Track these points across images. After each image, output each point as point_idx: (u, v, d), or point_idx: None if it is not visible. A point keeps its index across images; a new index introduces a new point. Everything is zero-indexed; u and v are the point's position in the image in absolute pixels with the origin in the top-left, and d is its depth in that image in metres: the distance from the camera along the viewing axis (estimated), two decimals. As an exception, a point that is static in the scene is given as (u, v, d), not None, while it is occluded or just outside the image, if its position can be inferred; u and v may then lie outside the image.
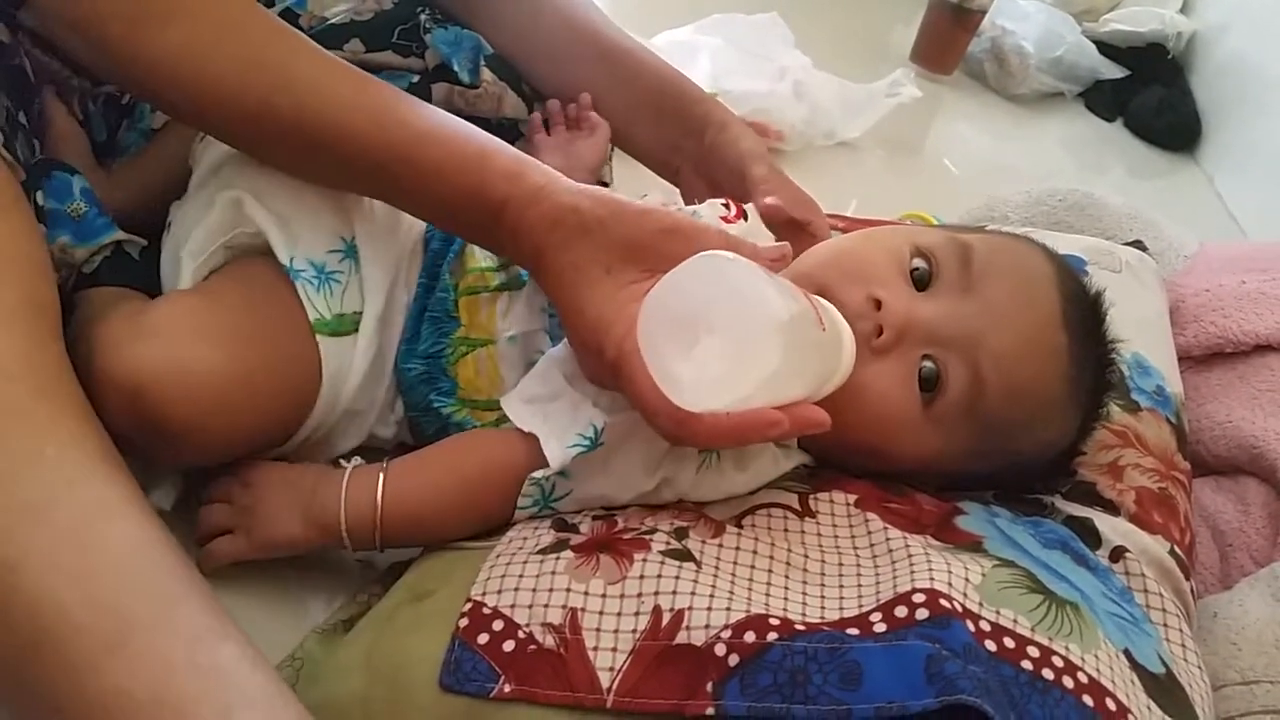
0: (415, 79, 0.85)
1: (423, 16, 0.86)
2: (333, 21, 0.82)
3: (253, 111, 0.61)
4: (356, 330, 0.67)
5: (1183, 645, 0.60)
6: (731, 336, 0.50)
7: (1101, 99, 1.66)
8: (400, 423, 0.72)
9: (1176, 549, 0.68)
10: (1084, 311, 0.66)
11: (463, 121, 0.64)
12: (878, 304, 0.61)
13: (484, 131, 0.64)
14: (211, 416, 0.59)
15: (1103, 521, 0.67)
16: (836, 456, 0.66)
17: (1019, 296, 0.64)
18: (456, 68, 0.85)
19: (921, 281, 0.64)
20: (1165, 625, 0.61)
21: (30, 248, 0.57)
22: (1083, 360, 0.65)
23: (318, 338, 0.65)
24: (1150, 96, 1.64)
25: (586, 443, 0.59)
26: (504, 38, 0.87)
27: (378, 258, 0.69)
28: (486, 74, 0.87)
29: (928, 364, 0.62)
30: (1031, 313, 0.64)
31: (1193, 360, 0.90)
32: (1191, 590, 0.67)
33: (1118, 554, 0.65)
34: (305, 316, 0.65)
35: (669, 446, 0.60)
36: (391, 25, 0.85)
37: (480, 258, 0.71)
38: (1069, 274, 0.67)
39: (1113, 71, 1.66)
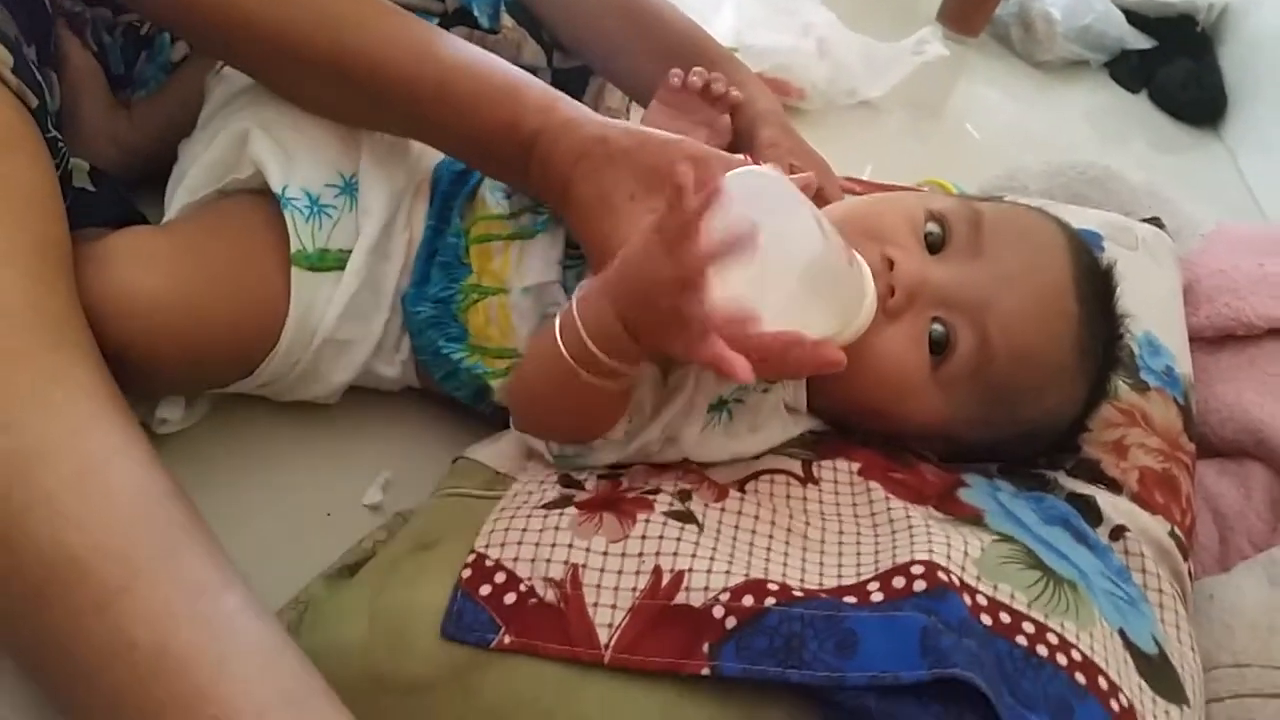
0: (435, 21, 0.84)
1: (446, -38, 0.85)
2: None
3: (289, 45, 0.61)
4: (341, 268, 0.66)
5: (1177, 626, 0.60)
6: (763, 248, 0.51)
7: (1127, 69, 1.64)
8: (406, 363, 0.72)
9: (1176, 530, 0.68)
10: (1095, 283, 0.66)
11: (495, 57, 0.65)
12: (890, 264, 0.61)
13: (515, 66, 0.65)
14: (159, 341, 0.59)
15: (1104, 499, 0.67)
16: (845, 419, 0.67)
17: (1030, 263, 0.64)
18: (477, 12, 0.85)
19: (934, 245, 0.64)
20: (1161, 606, 0.61)
21: (40, 182, 0.57)
22: (1092, 330, 0.65)
23: (293, 269, 0.65)
24: (1177, 69, 1.62)
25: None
26: None
27: (377, 190, 0.68)
28: (506, 20, 0.86)
29: (937, 326, 0.62)
30: (1042, 279, 0.63)
31: (1204, 341, 0.90)
32: (1189, 572, 0.68)
33: (1118, 533, 0.65)
34: (281, 248, 0.65)
35: (681, 406, 0.61)
36: (415, -33, 0.84)
37: (491, 205, 0.71)
38: (1081, 245, 0.67)
39: (1140, 42, 1.64)
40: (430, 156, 0.74)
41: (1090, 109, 1.59)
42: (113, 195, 0.68)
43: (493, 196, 0.71)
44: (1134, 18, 1.65)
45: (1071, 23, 1.58)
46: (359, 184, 0.68)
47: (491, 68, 0.64)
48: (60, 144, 0.62)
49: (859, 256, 0.58)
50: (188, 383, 0.66)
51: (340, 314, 0.66)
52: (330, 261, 0.66)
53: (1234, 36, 1.65)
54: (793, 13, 1.24)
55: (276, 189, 0.65)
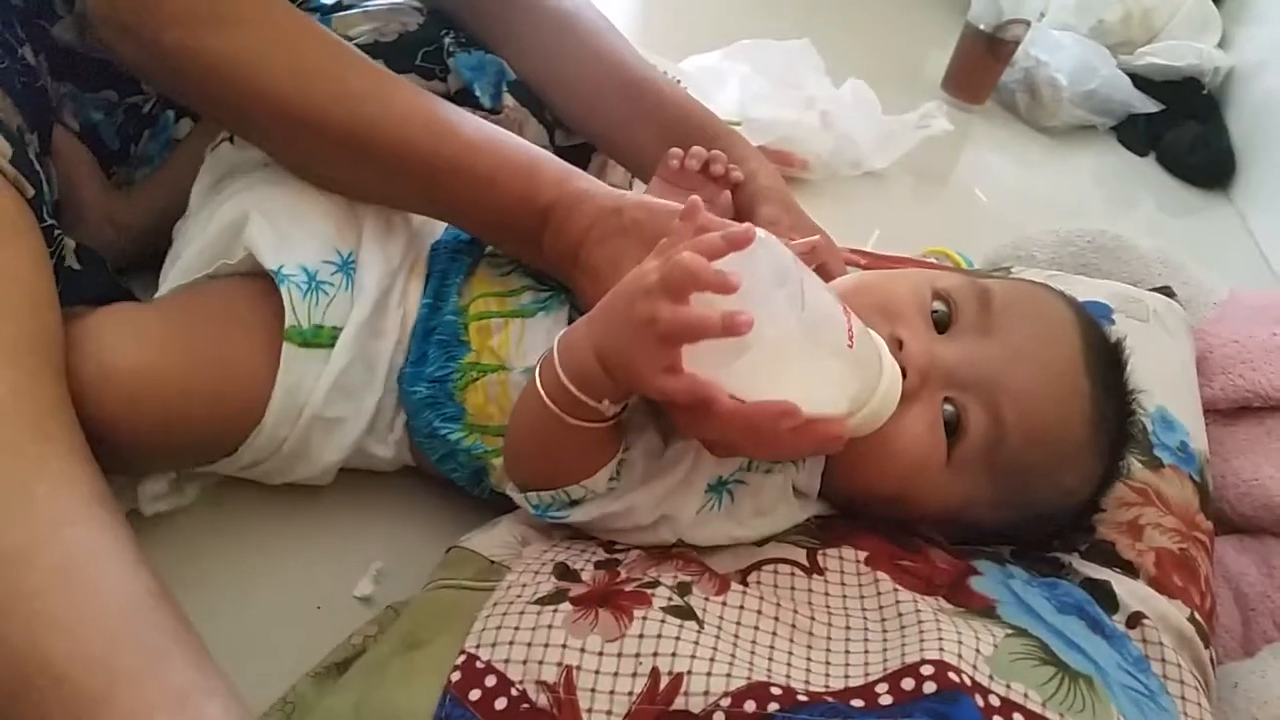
0: (438, 101, 0.85)
1: (447, 40, 0.85)
2: (357, 42, 0.82)
3: (307, 120, 0.63)
4: (333, 346, 0.66)
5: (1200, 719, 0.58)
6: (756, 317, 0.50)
7: (1134, 133, 1.64)
8: (400, 443, 0.71)
9: (1196, 615, 0.66)
10: (1105, 358, 0.65)
11: (509, 133, 0.67)
12: (899, 344, 0.60)
13: (527, 141, 0.67)
14: (142, 417, 0.59)
15: (1120, 585, 0.65)
16: (857, 505, 0.65)
17: (1039, 340, 0.63)
18: (479, 92, 0.85)
19: (941, 324, 0.63)
20: (1183, 698, 0.59)
21: (34, 276, 0.57)
22: (1104, 406, 0.63)
23: (285, 345, 0.64)
24: (1184, 132, 1.62)
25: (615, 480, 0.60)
26: (528, 64, 0.86)
27: (372, 267, 0.68)
28: (509, 99, 0.86)
29: (948, 408, 0.61)
30: (1052, 356, 0.63)
31: (1219, 413, 0.88)
32: (1211, 659, 0.65)
33: (1135, 620, 0.63)
34: (271, 325, 0.64)
35: (676, 481, 0.60)
36: (416, 47, 0.85)
37: (490, 282, 0.71)
38: (1089, 320, 0.66)
39: (1146, 105, 1.64)
40: (426, 236, 0.74)
41: (1098, 173, 1.59)
42: (100, 274, 0.68)
43: (492, 274, 0.71)
44: (1140, 82, 1.65)
45: (1078, 88, 1.59)
46: (356, 262, 0.68)
47: (509, 143, 0.66)
48: (56, 231, 0.62)
49: (875, 336, 0.57)
50: (171, 459, 0.65)
51: (329, 389, 0.65)
52: (324, 338, 0.66)
53: (1240, 99, 1.65)
54: (797, 86, 1.24)
55: (271, 266, 0.65)
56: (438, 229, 0.75)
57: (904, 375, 0.59)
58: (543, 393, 0.55)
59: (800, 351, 0.52)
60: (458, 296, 0.70)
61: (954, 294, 0.63)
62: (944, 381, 0.61)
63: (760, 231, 0.53)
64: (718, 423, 0.52)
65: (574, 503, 0.61)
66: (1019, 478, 0.62)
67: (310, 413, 0.65)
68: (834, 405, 0.54)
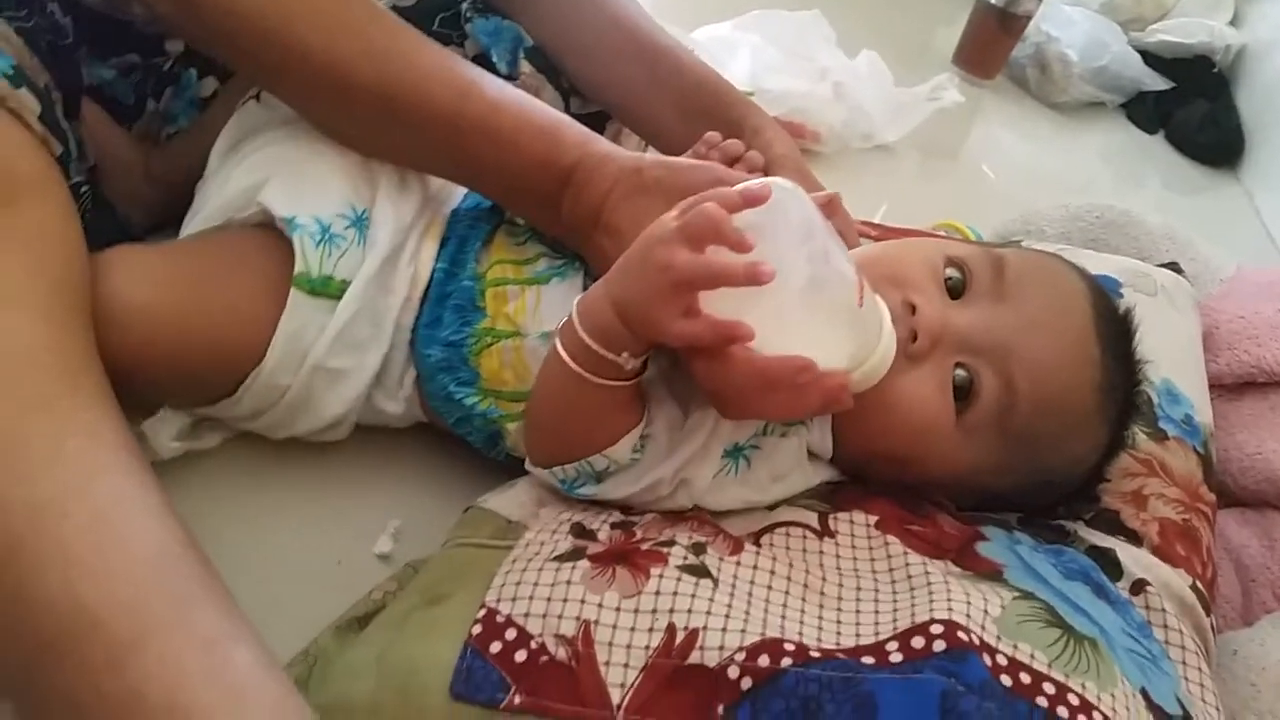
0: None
1: (464, 5, 0.85)
2: (375, 6, 0.82)
3: (335, 75, 0.63)
4: (339, 298, 0.67)
5: (1200, 685, 0.59)
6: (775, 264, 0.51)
7: (1144, 110, 1.64)
8: (410, 399, 0.72)
9: (1198, 583, 0.67)
10: (1115, 327, 0.66)
11: (532, 97, 0.68)
12: (912, 309, 0.61)
13: (551, 107, 0.67)
14: (146, 351, 0.60)
15: (1125, 552, 0.66)
16: (867, 468, 0.66)
17: (1052, 308, 0.64)
18: (495, 58, 0.85)
19: (955, 290, 0.64)
20: (1184, 663, 0.60)
21: (62, 228, 0.57)
22: (1114, 375, 0.64)
23: (292, 290, 0.65)
24: (1194, 110, 1.61)
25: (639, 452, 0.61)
26: (544, 30, 0.86)
27: (385, 223, 0.69)
28: (525, 66, 0.86)
29: (960, 372, 0.61)
30: (1065, 324, 0.63)
31: (1224, 388, 0.89)
32: (1212, 626, 0.67)
33: (1139, 587, 0.64)
34: (280, 271, 0.65)
35: (696, 448, 0.60)
36: (433, 12, 0.85)
37: (508, 249, 0.71)
38: (1100, 290, 0.67)
39: (1157, 83, 1.63)
40: (444, 199, 0.75)
41: (1107, 150, 1.59)
42: (110, 221, 0.69)
43: (509, 242, 0.72)
44: (1150, 59, 1.65)
45: (1088, 64, 1.58)
46: (370, 219, 0.69)
47: (532, 105, 0.67)
48: (84, 188, 0.63)
49: (876, 296, 0.58)
50: (173, 395, 0.67)
51: (334, 339, 0.66)
52: (332, 289, 0.67)
53: (1251, 78, 1.64)
54: (809, 57, 1.24)
55: (284, 215, 0.66)
56: (456, 194, 0.75)
57: (915, 338, 0.60)
58: (564, 354, 0.56)
59: (814, 306, 0.53)
60: (475, 263, 0.70)
61: (968, 261, 0.64)
62: (956, 347, 0.61)
63: (788, 183, 0.54)
64: (734, 374, 0.53)
65: (599, 476, 0.61)
66: (1029, 444, 0.63)
67: (313, 362, 0.66)
68: (837, 361, 0.55)
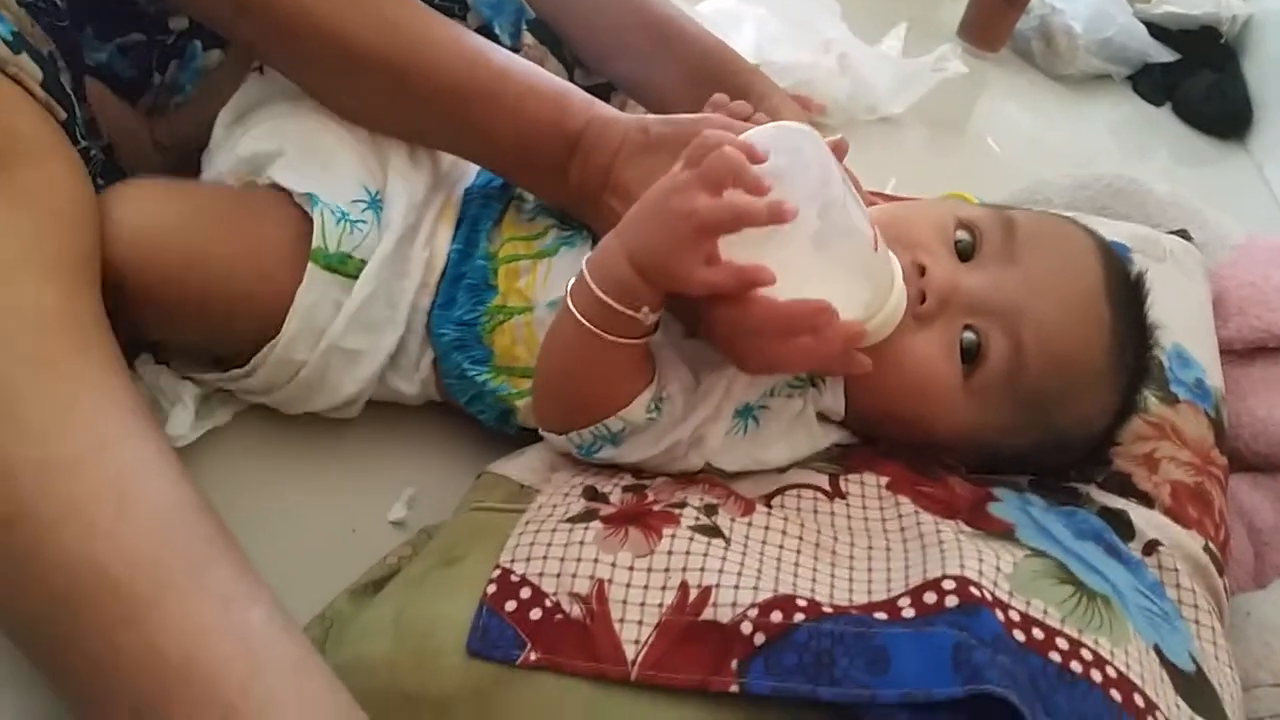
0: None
1: (469, -24, 0.85)
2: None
3: (343, 46, 0.63)
4: (356, 277, 0.67)
5: (1214, 643, 0.59)
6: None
7: (1150, 82, 1.63)
8: (426, 380, 0.72)
9: (1211, 545, 0.67)
10: (1126, 289, 0.66)
11: (535, 64, 0.68)
12: (922, 270, 0.61)
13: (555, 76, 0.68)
14: (160, 274, 0.61)
15: (1137, 514, 0.66)
16: (876, 429, 0.66)
17: (1062, 269, 0.64)
18: (498, 30, 0.85)
19: (965, 253, 0.64)
20: (1197, 622, 0.60)
21: (70, 192, 0.57)
22: (1124, 337, 0.64)
23: (309, 265, 0.65)
24: (1200, 81, 1.60)
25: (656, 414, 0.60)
26: (547, 2, 0.86)
27: (398, 201, 0.69)
28: (528, 37, 0.86)
29: (969, 334, 0.61)
30: (1075, 285, 0.63)
31: (1234, 354, 0.89)
32: (1225, 587, 0.67)
33: (1151, 547, 0.64)
34: (300, 242, 0.65)
35: (710, 410, 0.60)
36: (435, -15, 0.84)
37: (518, 226, 0.71)
38: (1111, 252, 0.67)
39: (1163, 55, 1.62)
40: (456, 178, 0.75)
41: (1113, 122, 1.58)
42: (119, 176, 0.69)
43: (519, 219, 0.72)
44: (1156, 30, 1.64)
45: (1093, 36, 1.57)
46: (383, 199, 0.69)
47: (539, 73, 0.67)
48: (92, 153, 0.63)
49: (891, 255, 0.58)
50: (184, 331, 0.67)
51: (350, 319, 0.66)
52: (350, 268, 0.67)
53: (1258, 48, 1.63)
54: (813, 29, 1.24)
55: (302, 190, 0.66)
56: (468, 173, 0.75)
57: (923, 300, 0.60)
58: (577, 313, 0.55)
59: (831, 251, 0.53)
60: (488, 242, 0.71)
61: (978, 223, 0.64)
62: (966, 308, 0.61)
63: (804, 126, 0.54)
64: (754, 320, 0.53)
65: (615, 439, 0.61)
66: (1038, 405, 0.63)
67: (329, 342, 0.66)
68: (853, 310, 0.55)
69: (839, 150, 0.59)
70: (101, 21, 0.77)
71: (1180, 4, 1.64)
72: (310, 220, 0.66)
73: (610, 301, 0.54)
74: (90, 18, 0.75)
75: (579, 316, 0.55)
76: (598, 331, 0.55)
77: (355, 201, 0.68)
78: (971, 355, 0.61)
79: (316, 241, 0.65)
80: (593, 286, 0.55)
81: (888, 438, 0.66)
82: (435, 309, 0.69)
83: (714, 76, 0.80)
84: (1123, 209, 1.05)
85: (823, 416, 0.65)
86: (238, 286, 0.64)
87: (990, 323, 0.61)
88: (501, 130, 0.65)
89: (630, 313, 0.54)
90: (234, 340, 0.66)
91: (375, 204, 0.69)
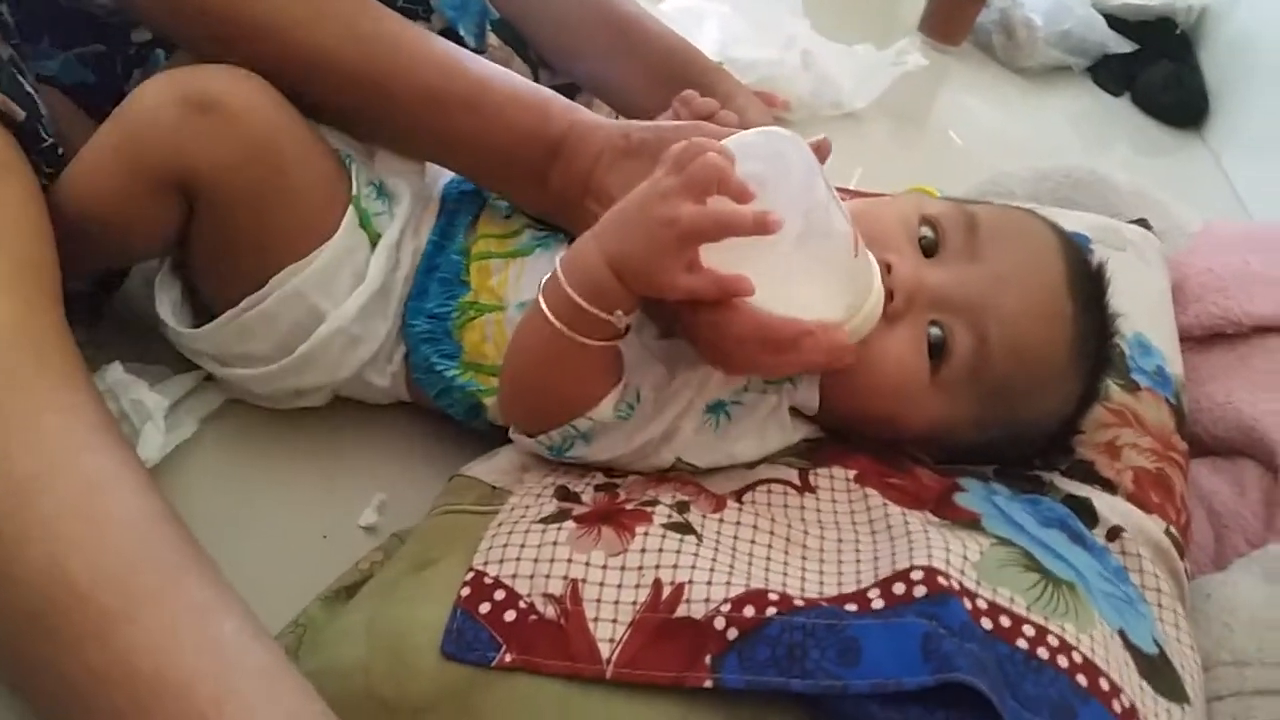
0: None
1: (433, -21, 0.85)
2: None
3: (319, 60, 0.64)
4: (372, 248, 0.68)
5: (1176, 626, 0.60)
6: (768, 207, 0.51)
7: (1109, 73, 1.65)
8: (396, 375, 0.72)
9: (1172, 529, 0.68)
10: (1088, 282, 0.67)
11: (512, 72, 0.68)
12: (888, 268, 0.61)
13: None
14: (244, 166, 0.62)
15: (1100, 500, 0.67)
16: (847, 425, 0.67)
17: (1025, 264, 0.64)
18: (462, 31, 0.85)
19: (929, 249, 0.64)
20: (1159, 605, 0.61)
21: (24, 204, 0.57)
22: (1086, 328, 0.65)
23: (349, 208, 0.66)
24: (1158, 72, 1.62)
25: (627, 412, 0.60)
26: (511, 3, 0.86)
27: (399, 196, 0.70)
28: (492, 39, 0.87)
29: (934, 330, 0.62)
30: (1037, 279, 0.64)
31: (1194, 340, 0.90)
32: (1186, 571, 0.68)
33: (1114, 533, 0.65)
34: (339, 198, 0.67)
35: (681, 407, 0.61)
36: (399, -12, 0.84)
37: (493, 224, 0.71)
38: (1072, 245, 0.68)
39: (1121, 45, 1.64)
40: (440, 176, 0.75)
41: (1073, 114, 1.60)
42: None
43: (495, 216, 0.72)
44: (1114, 22, 1.65)
45: (1052, 28, 1.59)
46: (388, 190, 0.70)
47: (518, 80, 0.68)
48: (60, 150, 0.62)
49: (868, 253, 0.59)
50: (219, 237, 0.66)
51: (362, 306, 0.67)
52: (370, 233, 0.68)
53: (1214, 38, 1.65)
54: (775, 27, 1.24)
55: (337, 145, 0.68)
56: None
57: (890, 298, 0.61)
58: (549, 314, 0.55)
59: (814, 257, 0.54)
60: (463, 237, 0.71)
61: (941, 220, 0.65)
62: (930, 304, 0.62)
63: (786, 131, 0.54)
64: (737, 328, 0.53)
65: (585, 436, 0.61)
66: (1003, 398, 0.64)
67: (338, 324, 0.66)
68: (834, 312, 0.56)
69: (822, 151, 0.60)
70: (61, 32, 0.77)
71: (1137, -6, 1.67)
72: (342, 171, 0.67)
73: (583, 303, 0.54)
74: (49, 28, 0.75)
75: (550, 316, 0.55)
76: (569, 333, 0.55)
77: (370, 184, 0.69)
78: (938, 351, 0.62)
79: (354, 190, 0.67)
80: (566, 287, 0.55)
81: (858, 433, 0.67)
82: (410, 300, 0.70)
83: (678, 75, 0.80)
84: (1083, 200, 1.06)
85: (794, 411, 0.65)
86: (295, 200, 0.65)
87: (954, 318, 0.62)
88: (483, 138, 0.66)
89: (604, 315, 0.55)
90: (256, 267, 0.66)
91: (381, 192, 0.70)
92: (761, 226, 0.51)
